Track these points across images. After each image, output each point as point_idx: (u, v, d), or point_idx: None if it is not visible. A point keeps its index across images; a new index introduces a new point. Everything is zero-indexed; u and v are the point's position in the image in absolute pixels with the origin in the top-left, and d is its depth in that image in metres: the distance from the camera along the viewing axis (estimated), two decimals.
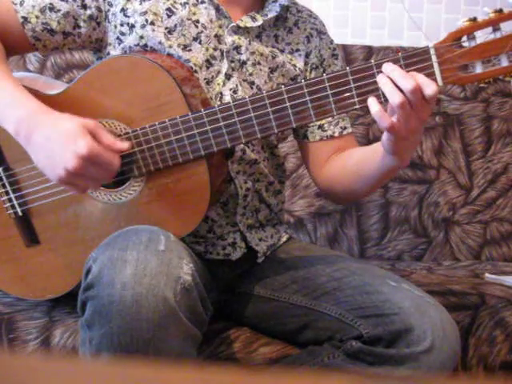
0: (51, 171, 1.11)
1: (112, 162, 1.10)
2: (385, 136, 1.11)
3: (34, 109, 1.13)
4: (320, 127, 1.33)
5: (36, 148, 1.12)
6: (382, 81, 1.07)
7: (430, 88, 1.05)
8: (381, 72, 1.08)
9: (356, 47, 1.94)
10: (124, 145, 1.13)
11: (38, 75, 1.65)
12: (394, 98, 1.05)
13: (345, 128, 1.35)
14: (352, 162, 1.29)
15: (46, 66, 1.85)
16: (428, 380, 0.74)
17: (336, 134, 1.34)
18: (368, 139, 1.89)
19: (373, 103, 1.08)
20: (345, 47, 1.93)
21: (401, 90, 1.05)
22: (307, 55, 1.33)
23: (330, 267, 1.26)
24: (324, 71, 1.34)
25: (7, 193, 1.26)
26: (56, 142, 1.09)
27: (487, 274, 1.62)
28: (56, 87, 1.26)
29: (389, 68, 1.07)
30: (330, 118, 1.31)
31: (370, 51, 1.94)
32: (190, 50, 1.23)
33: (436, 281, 1.57)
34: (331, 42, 1.37)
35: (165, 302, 1.00)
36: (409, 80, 1.05)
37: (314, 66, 1.34)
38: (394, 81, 1.06)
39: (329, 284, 1.23)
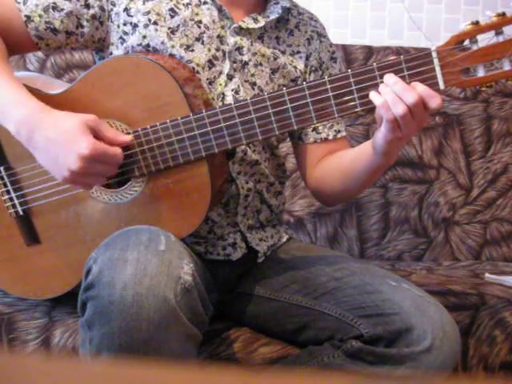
0: (56, 171, 1.13)
1: (115, 156, 1.12)
2: (380, 137, 1.12)
3: (34, 108, 1.13)
4: (314, 129, 1.34)
5: (38, 149, 1.13)
6: (385, 90, 1.08)
7: (434, 101, 1.06)
8: (382, 75, 1.09)
9: (356, 47, 1.95)
10: (126, 138, 1.15)
11: (38, 75, 1.65)
12: (397, 109, 1.06)
13: (339, 131, 1.36)
14: (342, 163, 1.30)
15: (45, 65, 1.85)
16: (428, 380, 0.74)
17: (330, 137, 1.35)
18: (368, 139, 1.89)
19: (376, 96, 1.09)
20: (345, 47, 1.93)
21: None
22: (307, 57, 1.34)
23: (330, 267, 1.26)
24: (322, 74, 1.35)
25: (8, 192, 1.26)
26: (57, 143, 1.10)
27: (487, 274, 1.62)
28: (56, 87, 1.26)
29: (391, 80, 1.08)
30: (324, 121, 1.32)
31: (369, 51, 1.94)
32: (193, 51, 1.24)
33: (436, 281, 1.57)
34: (330, 45, 1.38)
35: (165, 302, 1.00)
36: (411, 93, 1.06)
37: (313, 68, 1.34)
38: (396, 94, 1.07)
39: (329, 284, 1.24)
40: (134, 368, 0.53)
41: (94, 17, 1.24)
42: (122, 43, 1.24)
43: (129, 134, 1.18)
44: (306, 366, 1.20)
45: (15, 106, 1.14)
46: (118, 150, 1.12)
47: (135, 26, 1.23)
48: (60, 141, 1.10)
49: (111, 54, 1.26)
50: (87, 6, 1.23)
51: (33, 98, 1.14)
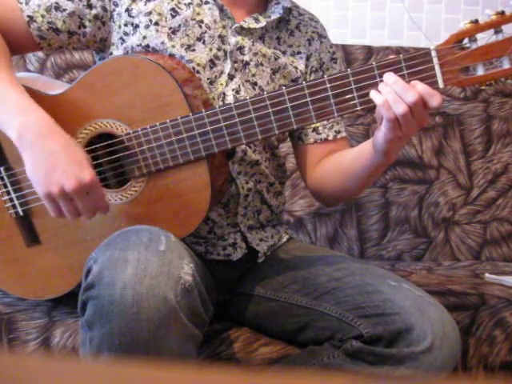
0: (43, 183, 1.12)
1: (103, 200, 1.14)
2: (381, 136, 1.12)
3: (45, 119, 1.13)
4: (314, 130, 1.34)
5: (36, 156, 1.12)
6: (386, 89, 1.08)
7: (434, 100, 1.06)
8: (381, 73, 1.09)
9: (356, 47, 1.94)
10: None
11: (38, 75, 1.65)
12: (398, 108, 1.06)
13: (339, 132, 1.36)
14: (342, 163, 1.30)
15: (45, 65, 1.85)
16: (428, 380, 0.74)
17: (330, 138, 1.35)
18: (368, 139, 1.89)
19: (376, 95, 1.08)
20: (345, 47, 1.93)
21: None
22: (308, 58, 1.34)
23: (330, 267, 1.26)
24: (323, 74, 1.35)
25: (8, 192, 1.26)
26: (61, 160, 1.11)
27: (487, 274, 1.62)
28: (56, 87, 1.26)
29: (391, 79, 1.08)
30: (324, 122, 1.32)
31: (369, 51, 1.94)
32: (194, 50, 1.24)
33: (436, 281, 1.57)
34: (331, 45, 1.38)
35: (165, 302, 1.00)
36: (411, 92, 1.06)
37: (313, 68, 1.35)
38: (397, 93, 1.07)
39: (329, 284, 1.24)
40: (134, 368, 0.53)
41: (96, 17, 1.24)
42: (121, 43, 1.24)
43: (128, 134, 1.18)
44: (306, 366, 1.20)
45: (24, 111, 1.13)
46: (106, 202, 1.15)
47: (136, 26, 1.23)
48: (65, 160, 1.11)
49: (111, 54, 1.26)
50: (89, 7, 1.23)
51: (40, 108, 1.14)
